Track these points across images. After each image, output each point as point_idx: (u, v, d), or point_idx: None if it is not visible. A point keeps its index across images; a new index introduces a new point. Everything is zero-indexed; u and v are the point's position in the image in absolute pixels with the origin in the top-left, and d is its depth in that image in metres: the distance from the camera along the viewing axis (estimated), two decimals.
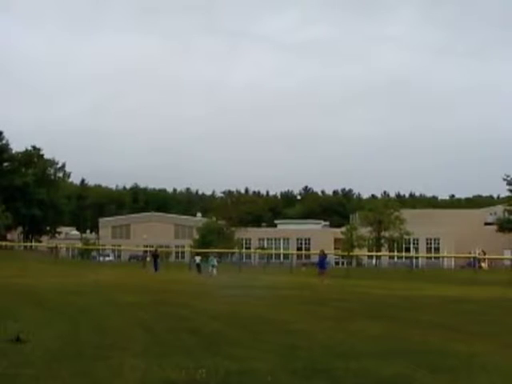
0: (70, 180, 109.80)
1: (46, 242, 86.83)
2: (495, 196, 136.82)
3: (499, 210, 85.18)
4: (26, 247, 78.58)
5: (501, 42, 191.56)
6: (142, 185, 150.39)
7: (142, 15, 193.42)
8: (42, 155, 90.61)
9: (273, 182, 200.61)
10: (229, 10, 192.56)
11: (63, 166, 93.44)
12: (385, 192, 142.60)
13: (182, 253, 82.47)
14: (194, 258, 50.77)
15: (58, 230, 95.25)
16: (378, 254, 71.84)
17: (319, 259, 31.15)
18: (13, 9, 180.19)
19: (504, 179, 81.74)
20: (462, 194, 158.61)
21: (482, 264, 63.35)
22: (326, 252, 33.05)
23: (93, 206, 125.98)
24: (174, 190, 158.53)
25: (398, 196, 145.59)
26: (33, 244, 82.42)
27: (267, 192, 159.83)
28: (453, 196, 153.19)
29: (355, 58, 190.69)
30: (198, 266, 46.54)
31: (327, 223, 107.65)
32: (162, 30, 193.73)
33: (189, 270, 43.45)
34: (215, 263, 38.93)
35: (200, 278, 34.44)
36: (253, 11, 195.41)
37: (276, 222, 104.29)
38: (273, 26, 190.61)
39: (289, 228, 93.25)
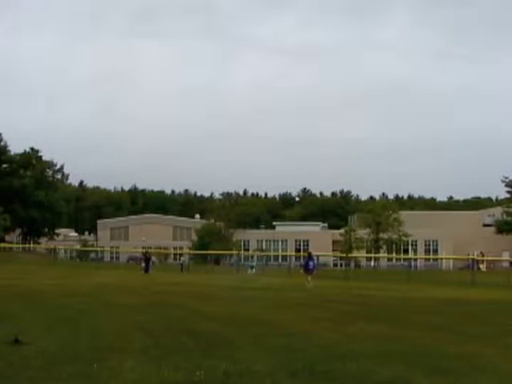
0: (69, 182, 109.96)
1: (44, 243, 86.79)
2: (494, 198, 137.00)
3: (498, 211, 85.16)
4: (24, 249, 78.49)
5: (499, 44, 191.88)
6: (140, 186, 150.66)
7: (142, 18, 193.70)
8: (41, 157, 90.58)
9: (271, 183, 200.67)
10: (228, 14, 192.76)
11: (62, 167, 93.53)
12: (383, 194, 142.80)
13: (181, 254, 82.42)
14: (180, 258, 52.16)
15: (57, 231, 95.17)
16: (377, 255, 71.84)
17: (305, 260, 31.16)
18: (13, 11, 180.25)
19: (502, 181, 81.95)
20: (460, 195, 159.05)
21: (481, 266, 63.35)
22: (313, 253, 33.29)
23: (91, 207, 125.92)
24: (173, 191, 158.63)
25: (397, 198, 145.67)
26: (31, 246, 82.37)
27: (266, 194, 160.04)
28: (451, 198, 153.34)
29: (354, 61, 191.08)
30: (182, 265, 47.53)
31: (325, 225, 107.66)
32: (162, 33, 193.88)
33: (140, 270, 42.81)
34: (254, 264, 39.70)
35: (147, 277, 34.69)
36: (252, 15, 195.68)
37: (274, 223, 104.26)
38: (272, 30, 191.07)
39: (287, 230, 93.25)
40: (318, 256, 52.04)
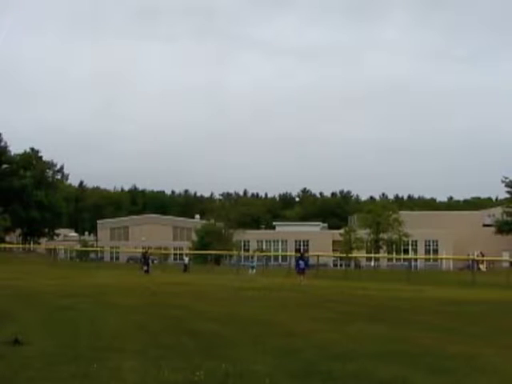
0: (69, 182, 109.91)
1: (44, 244, 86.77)
2: (493, 198, 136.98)
3: (497, 211, 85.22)
4: (24, 249, 78.51)
5: (498, 45, 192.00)
6: (140, 187, 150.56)
7: (142, 18, 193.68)
8: (41, 157, 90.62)
9: (271, 183, 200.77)
10: (228, 14, 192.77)
11: (61, 168, 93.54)
12: (383, 194, 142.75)
13: (181, 254, 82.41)
14: (184, 258, 52.37)
15: (57, 231, 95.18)
16: (377, 255, 71.84)
17: (296, 260, 31.30)
18: (13, 12, 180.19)
19: (502, 181, 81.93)
20: (460, 195, 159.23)
21: (481, 266, 63.32)
22: (305, 253, 33.56)
23: (91, 207, 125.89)
24: (173, 192, 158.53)
25: (397, 198, 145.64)
26: (31, 246, 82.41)
27: (266, 194, 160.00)
28: (451, 198, 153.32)
29: (354, 61, 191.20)
30: (186, 266, 47.43)
31: (325, 225, 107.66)
32: (162, 33, 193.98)
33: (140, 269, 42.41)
34: (255, 264, 39.58)
35: (146, 277, 34.46)
36: (252, 15, 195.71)
37: (274, 223, 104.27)
38: (272, 30, 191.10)
39: (287, 230, 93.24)
40: (318, 256, 51.98)
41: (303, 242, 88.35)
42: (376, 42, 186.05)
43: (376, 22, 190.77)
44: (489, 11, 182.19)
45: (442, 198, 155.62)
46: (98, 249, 79.22)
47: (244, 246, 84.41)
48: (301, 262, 30.07)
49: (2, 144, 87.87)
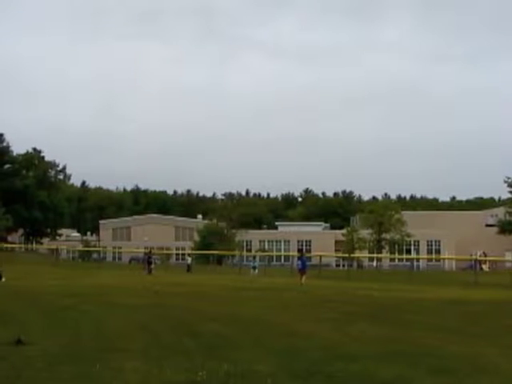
0: (71, 182, 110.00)
1: (46, 244, 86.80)
2: (496, 198, 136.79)
3: (500, 211, 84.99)
4: (26, 249, 78.55)
5: (499, 45, 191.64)
6: (142, 187, 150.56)
7: (142, 19, 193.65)
8: (43, 157, 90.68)
9: (274, 184, 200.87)
10: (228, 15, 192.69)
11: (64, 168, 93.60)
12: (386, 194, 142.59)
13: (183, 255, 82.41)
14: (186, 258, 52.60)
15: (59, 232, 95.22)
16: (379, 256, 71.73)
17: (297, 260, 31.39)
18: (14, 12, 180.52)
19: (505, 181, 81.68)
20: (463, 195, 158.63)
21: (483, 266, 63.31)
22: (304, 253, 33.69)
23: (93, 207, 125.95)
24: (175, 192, 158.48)
25: (399, 198, 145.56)
26: (33, 246, 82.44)
27: (268, 194, 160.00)
28: (454, 198, 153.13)
29: (354, 62, 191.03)
30: (189, 266, 47.63)
31: (328, 225, 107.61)
32: (162, 34, 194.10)
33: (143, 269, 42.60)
34: (257, 265, 39.57)
35: (149, 278, 34.47)
36: (252, 16, 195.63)
37: (277, 223, 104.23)
38: (272, 31, 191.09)
39: (290, 230, 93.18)
40: (320, 256, 51.94)
41: (306, 242, 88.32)
42: (376, 42, 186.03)
43: (376, 23, 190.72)
44: (489, 11, 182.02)
45: (444, 198, 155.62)
46: (100, 249, 79.17)
47: (246, 246, 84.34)
48: (298, 263, 30.17)
49: (5, 144, 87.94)
